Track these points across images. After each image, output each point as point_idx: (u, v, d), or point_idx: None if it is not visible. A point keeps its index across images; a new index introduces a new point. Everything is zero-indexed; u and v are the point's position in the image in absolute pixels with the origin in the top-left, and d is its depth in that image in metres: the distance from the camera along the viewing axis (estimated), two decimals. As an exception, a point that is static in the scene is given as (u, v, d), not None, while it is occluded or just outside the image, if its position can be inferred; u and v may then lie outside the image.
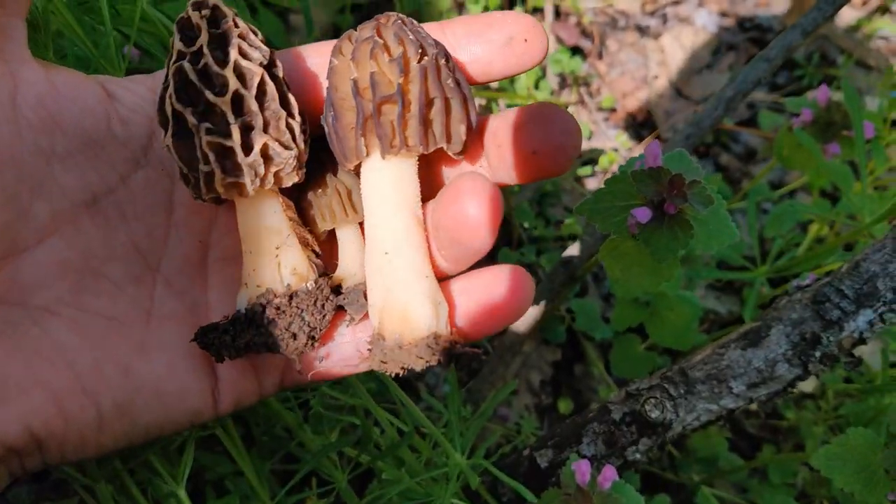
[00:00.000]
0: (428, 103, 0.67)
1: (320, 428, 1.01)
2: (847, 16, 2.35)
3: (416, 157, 0.70)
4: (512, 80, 1.94)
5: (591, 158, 1.86)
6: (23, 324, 0.63)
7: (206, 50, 0.62)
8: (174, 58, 0.63)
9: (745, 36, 2.32)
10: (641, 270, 0.95)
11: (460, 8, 2.01)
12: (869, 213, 1.41)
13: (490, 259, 1.68)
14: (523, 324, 1.41)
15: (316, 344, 0.70)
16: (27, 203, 0.63)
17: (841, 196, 1.76)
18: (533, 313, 1.40)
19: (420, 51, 0.66)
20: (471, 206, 0.65)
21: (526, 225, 1.69)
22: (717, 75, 2.22)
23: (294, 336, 0.67)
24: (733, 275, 1.43)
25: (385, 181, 0.69)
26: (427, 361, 0.65)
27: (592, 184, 1.82)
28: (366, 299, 0.71)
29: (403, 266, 0.68)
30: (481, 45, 0.70)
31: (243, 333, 0.66)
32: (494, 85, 1.92)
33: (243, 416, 1.06)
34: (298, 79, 0.73)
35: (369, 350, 0.69)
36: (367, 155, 0.68)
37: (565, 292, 1.42)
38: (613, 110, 2.05)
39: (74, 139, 0.65)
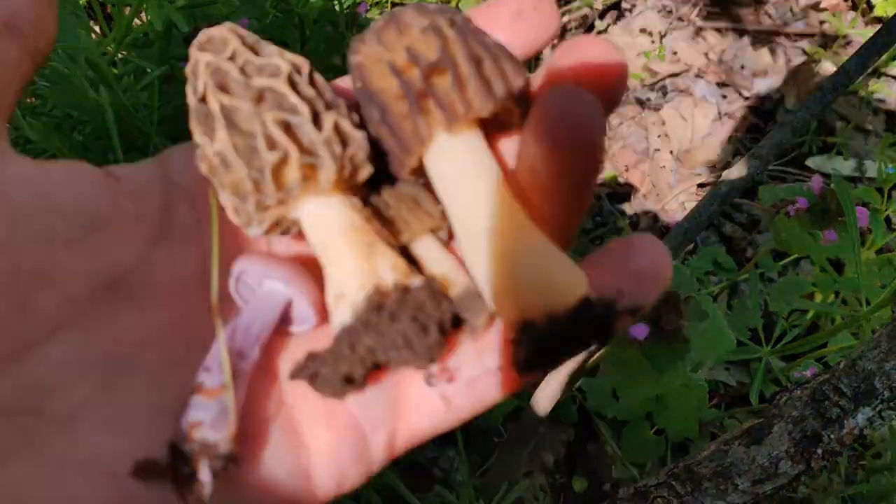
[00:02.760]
0: (477, 62, 0.58)
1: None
2: (843, 81, 2.41)
3: (481, 129, 0.61)
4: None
5: (597, 236, 1.92)
6: (41, 434, 0.53)
7: (240, 50, 0.56)
8: (200, 76, 0.56)
9: (744, 104, 2.39)
10: (644, 378, 1.00)
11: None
12: (868, 291, 1.45)
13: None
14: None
15: (445, 343, 0.56)
16: (27, 294, 0.55)
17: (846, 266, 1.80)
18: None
19: (449, 18, 0.59)
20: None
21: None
22: (718, 145, 2.29)
23: (424, 329, 0.53)
24: (740, 355, 1.47)
25: (462, 157, 0.59)
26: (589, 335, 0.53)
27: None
28: (482, 299, 0.59)
29: (521, 236, 0.56)
30: (488, 23, 0.62)
31: (360, 341, 0.53)
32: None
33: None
34: None
35: (514, 346, 0.55)
36: (431, 136, 0.58)
37: (580, 374, 1.46)
38: (618, 184, 2.12)
39: (77, 221, 0.59)
